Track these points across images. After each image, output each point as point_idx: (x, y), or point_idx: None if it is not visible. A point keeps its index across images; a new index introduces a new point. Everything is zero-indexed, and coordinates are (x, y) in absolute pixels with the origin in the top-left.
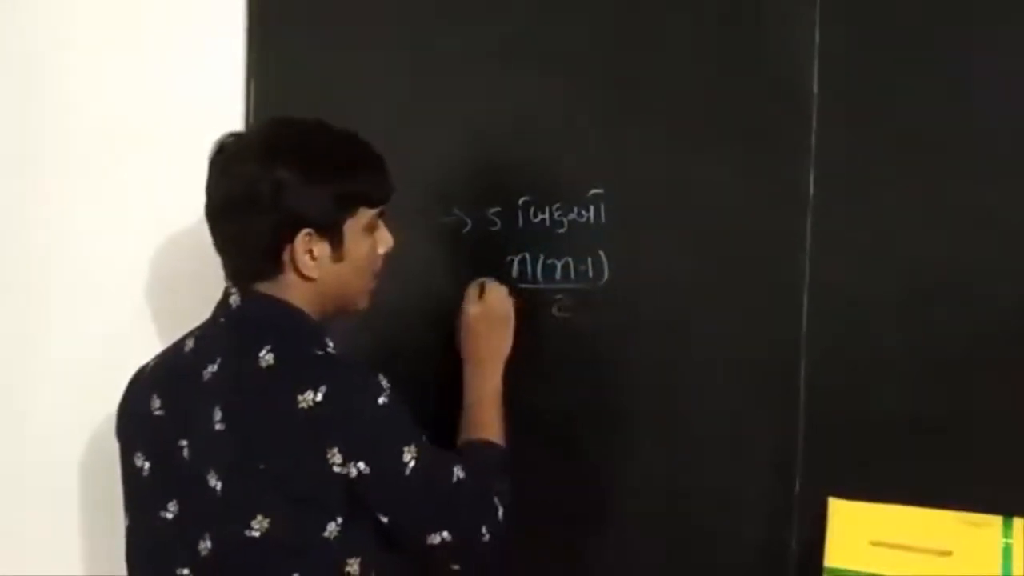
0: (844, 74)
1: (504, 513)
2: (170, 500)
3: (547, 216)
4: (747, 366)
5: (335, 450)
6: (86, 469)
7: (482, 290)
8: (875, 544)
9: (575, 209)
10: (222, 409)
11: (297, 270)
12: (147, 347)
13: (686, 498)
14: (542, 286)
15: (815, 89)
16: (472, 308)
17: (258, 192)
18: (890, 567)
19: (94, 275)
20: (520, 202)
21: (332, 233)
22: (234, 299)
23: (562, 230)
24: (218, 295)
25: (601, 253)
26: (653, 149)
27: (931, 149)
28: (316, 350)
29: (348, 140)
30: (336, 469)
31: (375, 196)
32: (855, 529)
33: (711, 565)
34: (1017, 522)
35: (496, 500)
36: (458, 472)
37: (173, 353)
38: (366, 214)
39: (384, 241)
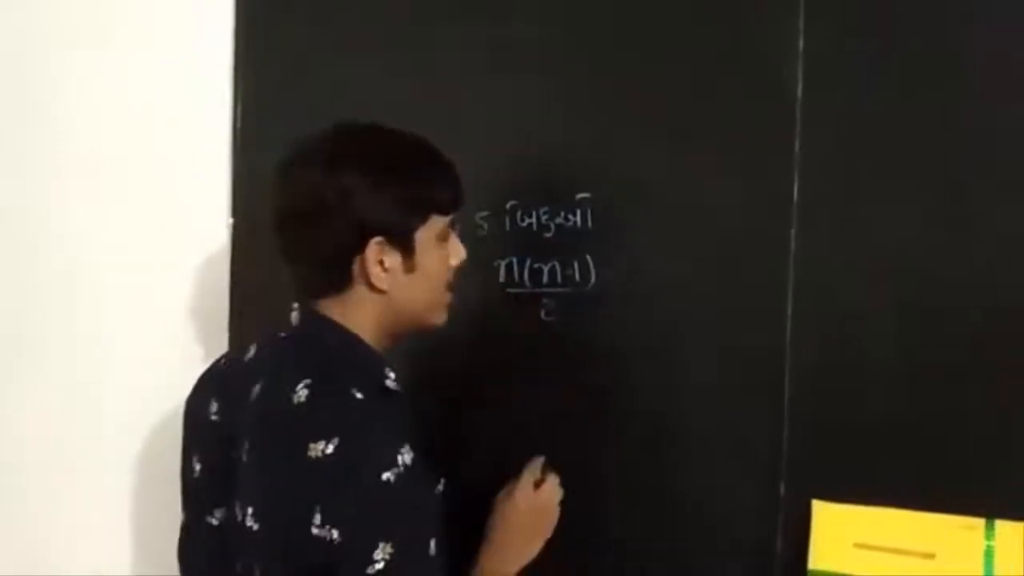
0: (828, 78)
1: None
2: (218, 507)
3: (534, 220)
4: (732, 369)
5: (317, 508)
6: (82, 470)
7: (540, 480)
8: (859, 546)
9: (562, 213)
10: (249, 443)
11: (368, 282)
12: (143, 348)
13: (671, 500)
14: (529, 290)
15: (799, 93)
16: (523, 502)
17: (325, 200)
18: (874, 569)
19: (88, 275)
20: (507, 206)
21: (404, 242)
22: (294, 316)
23: (549, 234)
24: (214, 294)
25: (588, 257)
26: (639, 154)
27: (915, 152)
28: (356, 391)
29: (416, 144)
30: (315, 531)
31: (446, 203)
32: (839, 531)
33: (696, 567)
34: (1000, 524)
35: None
36: None
37: (237, 358)
38: (438, 222)
39: (456, 252)
